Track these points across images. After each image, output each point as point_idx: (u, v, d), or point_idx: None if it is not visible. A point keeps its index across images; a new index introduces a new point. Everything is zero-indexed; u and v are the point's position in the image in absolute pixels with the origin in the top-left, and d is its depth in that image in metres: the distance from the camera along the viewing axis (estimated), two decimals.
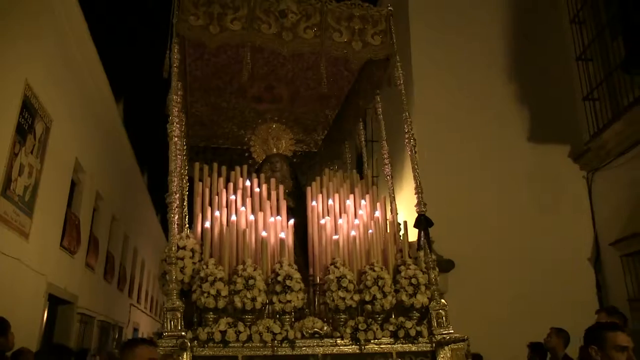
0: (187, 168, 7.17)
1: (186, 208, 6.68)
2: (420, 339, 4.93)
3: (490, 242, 9.20)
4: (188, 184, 6.95)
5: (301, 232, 5.87)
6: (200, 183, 5.68)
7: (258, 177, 5.94)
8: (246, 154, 7.40)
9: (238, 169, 5.95)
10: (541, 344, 7.08)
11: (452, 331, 4.98)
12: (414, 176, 5.50)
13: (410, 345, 4.91)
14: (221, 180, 5.72)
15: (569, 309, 7.34)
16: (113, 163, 17.44)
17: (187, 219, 6.45)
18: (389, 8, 6.08)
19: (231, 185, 5.71)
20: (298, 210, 6.17)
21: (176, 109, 5.35)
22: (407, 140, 5.68)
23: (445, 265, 8.14)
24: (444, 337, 4.89)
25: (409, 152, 5.65)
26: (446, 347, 4.86)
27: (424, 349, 4.92)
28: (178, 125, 5.41)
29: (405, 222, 5.64)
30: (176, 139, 5.25)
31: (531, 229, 9.37)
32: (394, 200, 6.06)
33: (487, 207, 9.43)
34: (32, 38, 9.73)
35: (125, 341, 4.32)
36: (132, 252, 22.77)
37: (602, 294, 9.16)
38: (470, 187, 9.49)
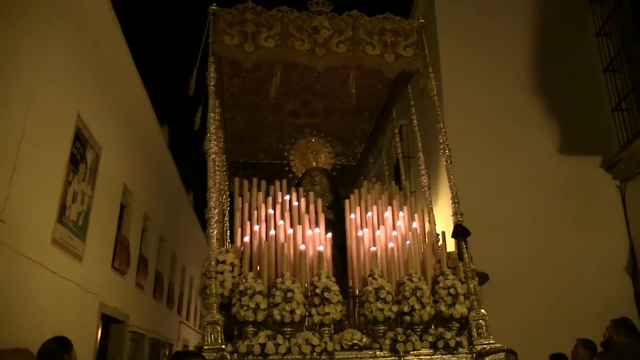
0: (227, 184, 7.29)
1: (227, 223, 6.81)
2: (460, 349, 4.92)
3: (525, 255, 9.06)
4: (229, 199, 7.07)
5: (342, 244, 5.92)
6: (240, 198, 5.76)
7: (297, 191, 6.00)
8: (286, 169, 7.47)
9: (277, 183, 6.03)
10: (563, 355, 7.03)
11: (493, 341, 4.94)
12: (450, 186, 5.50)
13: (450, 356, 4.91)
14: (260, 194, 5.80)
15: (607, 320, 7.20)
16: (159, 184, 17.81)
17: (228, 234, 6.56)
18: (421, 20, 6.13)
19: (270, 199, 5.78)
20: (338, 223, 6.21)
21: (213, 127, 5.45)
22: (442, 151, 5.69)
23: (480, 278, 8.06)
24: (484, 348, 4.87)
25: (445, 163, 5.66)
26: (487, 358, 4.84)
27: (464, 359, 4.91)
28: (215, 142, 5.52)
29: (443, 233, 5.65)
30: (214, 155, 5.36)
31: (566, 240, 9.24)
32: (432, 210, 6.07)
33: (521, 220, 9.29)
34: (80, 70, 10.08)
35: (175, 353, 4.40)
36: (180, 270, 22.94)
37: None
38: (503, 199, 9.38)
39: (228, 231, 6.83)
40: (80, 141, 10.01)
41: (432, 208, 6.13)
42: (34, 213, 8.20)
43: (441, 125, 5.79)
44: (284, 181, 6.18)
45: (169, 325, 20.28)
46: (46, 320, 8.41)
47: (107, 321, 12.34)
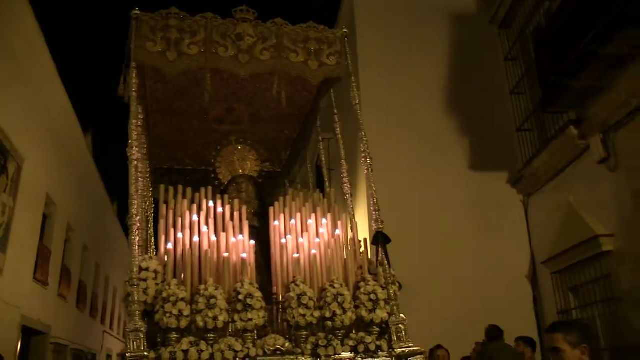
0: (151, 190, 7.24)
1: (152, 230, 6.76)
2: (380, 353, 5.03)
3: (436, 265, 9.63)
4: (153, 206, 7.03)
5: (267, 251, 5.98)
6: (165, 205, 5.74)
7: (223, 199, 6.02)
8: (212, 175, 7.46)
9: (203, 190, 6.01)
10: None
11: (412, 345, 5.08)
12: (371, 194, 5.63)
13: (370, 359, 5.01)
14: (185, 201, 5.78)
15: (510, 322, 7.88)
16: (83, 194, 17.78)
17: (153, 241, 6.52)
18: (344, 30, 6.24)
19: (195, 206, 5.78)
20: (264, 231, 6.26)
21: (135, 133, 5.41)
22: (363, 159, 5.82)
23: None
24: (404, 351, 5.01)
25: (365, 171, 5.78)
26: None
27: None
28: (138, 149, 5.49)
29: (365, 240, 5.76)
30: (136, 162, 5.32)
31: (474, 250, 9.83)
32: (354, 218, 6.18)
33: (432, 231, 9.87)
34: (0, 81, 10.07)
35: None
36: (104, 279, 22.97)
37: (538, 307, 9.85)
38: (416, 210, 9.91)
39: (152, 238, 6.78)
40: (2, 152, 10.04)
41: (354, 215, 6.24)
42: None
43: (362, 133, 5.91)
44: (210, 188, 6.15)
45: (93, 335, 20.19)
46: None
47: (28, 333, 12.32)
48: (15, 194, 10.94)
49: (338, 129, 6.61)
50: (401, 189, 9.77)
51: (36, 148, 12.19)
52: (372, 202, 5.62)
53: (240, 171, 7.29)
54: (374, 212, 5.56)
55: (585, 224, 8.22)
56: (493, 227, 10.09)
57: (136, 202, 5.10)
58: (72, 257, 16.74)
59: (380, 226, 5.47)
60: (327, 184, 7.14)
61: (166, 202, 5.80)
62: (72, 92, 13.92)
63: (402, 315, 5.22)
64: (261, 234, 6.19)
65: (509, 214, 10.38)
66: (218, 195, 6.14)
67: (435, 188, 10.31)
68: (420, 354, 5.01)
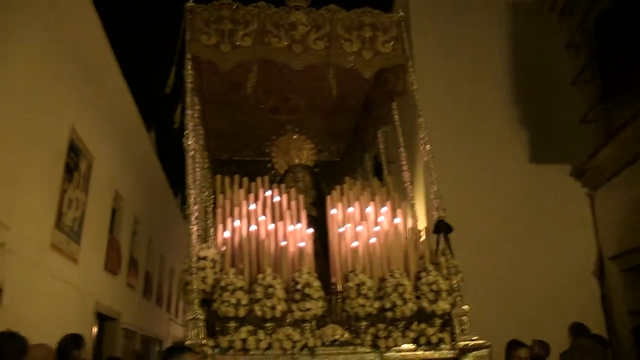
0: (210, 181, 7.26)
1: (210, 221, 6.77)
2: (442, 345, 4.90)
3: (496, 259, 9.22)
4: (213, 197, 7.04)
5: (325, 241, 5.89)
6: (222, 195, 5.73)
7: (280, 188, 5.97)
8: (268, 165, 7.44)
9: (259, 179, 6.00)
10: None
11: (476, 338, 4.93)
12: (431, 182, 5.50)
13: (432, 352, 4.89)
14: (242, 191, 5.76)
15: (576, 319, 7.55)
16: (148, 188, 18.38)
17: (212, 231, 6.52)
18: (400, 14, 6.09)
19: (252, 196, 5.75)
20: (322, 220, 6.17)
21: (192, 124, 5.41)
22: (422, 146, 5.69)
23: None
24: (467, 344, 4.86)
25: (425, 158, 5.65)
26: (469, 355, 4.84)
27: (447, 356, 4.90)
28: (195, 139, 5.48)
29: (426, 228, 5.63)
30: (193, 152, 5.32)
31: (537, 244, 9.48)
32: (414, 206, 6.06)
33: (493, 226, 9.48)
34: (74, 85, 10.68)
35: (170, 347, 4.36)
36: (169, 270, 23.48)
37: (607, 305, 9.41)
38: (475, 206, 9.48)
39: (211, 228, 6.80)
40: (75, 152, 10.76)
41: (414, 204, 6.12)
42: (34, 220, 8.87)
43: (421, 120, 5.78)
44: (266, 178, 6.13)
45: (159, 323, 21.14)
46: (48, 319, 9.03)
47: (101, 319, 13.05)
48: (86, 190, 11.53)
49: (396, 116, 6.49)
50: (460, 182, 9.53)
51: (104, 147, 12.76)
52: (432, 190, 5.48)
53: (297, 161, 7.23)
54: (435, 200, 5.43)
55: None
56: (556, 220, 9.74)
57: (193, 192, 5.11)
58: (138, 249, 17.31)
59: (442, 214, 5.34)
60: (385, 172, 7.02)
61: (223, 192, 5.78)
62: (134, 90, 14.27)
63: (465, 306, 5.07)
64: (319, 223, 6.09)
65: (573, 208, 9.99)
66: (274, 185, 6.10)
67: (495, 181, 9.99)
68: (487, 347, 4.86)
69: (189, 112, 5.44)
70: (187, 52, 5.59)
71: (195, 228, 4.97)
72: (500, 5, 11.23)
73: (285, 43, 5.69)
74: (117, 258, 14.27)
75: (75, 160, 10.78)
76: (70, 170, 10.50)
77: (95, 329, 12.23)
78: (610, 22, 8.21)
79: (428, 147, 5.65)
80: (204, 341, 4.47)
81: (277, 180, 6.82)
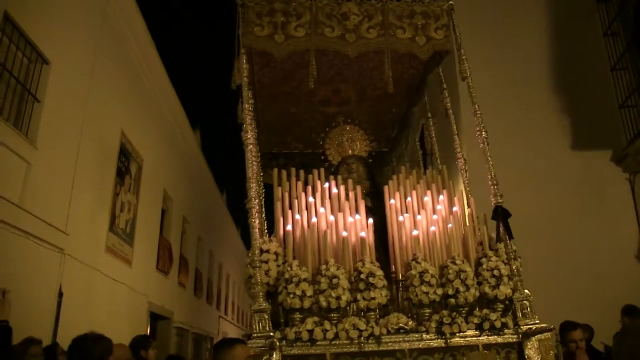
0: (262, 175, 7.33)
1: (264, 214, 6.84)
2: (505, 330, 4.91)
3: (540, 244, 9.12)
4: (264, 191, 7.11)
5: (381, 231, 5.90)
6: (280, 188, 5.78)
7: (336, 179, 6.01)
8: (322, 157, 7.47)
9: (315, 172, 6.03)
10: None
11: (538, 321, 4.94)
12: (488, 168, 5.50)
13: (496, 337, 4.90)
14: (299, 183, 5.82)
15: (620, 303, 7.36)
16: (195, 187, 18.80)
17: (266, 225, 6.60)
18: (450, 2, 6.10)
19: (309, 188, 5.81)
20: (376, 210, 6.21)
21: (248, 117, 5.49)
22: (478, 133, 5.68)
23: None
24: (530, 328, 4.87)
25: (481, 145, 5.65)
26: (533, 338, 4.83)
27: (510, 340, 4.90)
28: (251, 133, 5.55)
29: (484, 215, 5.63)
30: (251, 146, 5.38)
31: (579, 231, 9.55)
32: (470, 193, 6.06)
33: (535, 212, 9.37)
34: (122, 91, 11.07)
35: (221, 340, 4.45)
36: (218, 267, 23.95)
37: None
38: (519, 192, 9.38)
39: (265, 222, 6.87)
40: (125, 155, 11.17)
41: (470, 191, 6.12)
42: (90, 224, 9.25)
43: (476, 107, 5.77)
44: (322, 170, 6.17)
45: (209, 320, 21.52)
46: (104, 319, 9.39)
47: (155, 318, 13.53)
48: (137, 192, 11.92)
49: (449, 103, 6.50)
50: (502, 168, 9.45)
51: (152, 148, 13.13)
52: (489, 177, 5.48)
53: (350, 152, 7.25)
54: (492, 187, 5.43)
55: None
56: (598, 206, 9.86)
57: (254, 185, 5.17)
58: (188, 248, 17.74)
59: (500, 200, 5.34)
60: (438, 160, 7.04)
61: (280, 185, 5.84)
62: (179, 90, 14.70)
63: (526, 290, 5.08)
64: (374, 214, 6.11)
65: (614, 193, 10.07)
66: (331, 177, 6.14)
67: (537, 167, 10.04)
68: (549, 330, 4.86)
69: (245, 105, 5.51)
70: (242, 44, 5.66)
71: (256, 222, 5.03)
72: None
73: (339, 33, 5.74)
74: (168, 258, 14.62)
75: (125, 164, 11.13)
76: (121, 173, 10.87)
77: (149, 328, 12.65)
78: None
79: (484, 134, 5.63)
80: (271, 333, 4.55)
81: (331, 172, 6.86)
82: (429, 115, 7.31)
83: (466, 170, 6.27)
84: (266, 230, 6.56)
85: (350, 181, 6.08)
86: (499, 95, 10.14)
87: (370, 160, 7.36)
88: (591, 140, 10.29)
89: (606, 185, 10.03)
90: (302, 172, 6.00)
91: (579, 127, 10.39)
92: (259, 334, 4.54)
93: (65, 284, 7.92)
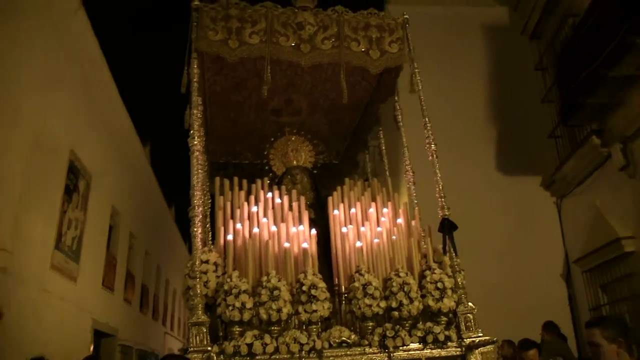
0: (208, 184, 7.20)
1: (209, 224, 6.71)
2: (449, 343, 4.89)
3: (473, 263, 9.31)
4: (210, 201, 6.98)
5: (323, 243, 5.83)
6: (222, 197, 5.66)
7: (280, 190, 5.92)
8: (266, 167, 7.37)
9: (259, 181, 5.94)
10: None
11: (482, 334, 4.91)
12: (436, 180, 5.47)
13: (439, 350, 4.86)
14: (242, 193, 5.71)
15: (546, 318, 7.85)
16: (143, 202, 18.48)
17: (210, 235, 6.47)
18: (405, 16, 6.07)
19: (252, 198, 5.70)
20: (319, 222, 6.13)
21: (197, 124, 5.35)
22: (427, 145, 5.66)
23: None
24: (474, 341, 4.84)
25: (430, 157, 5.62)
26: (476, 351, 4.81)
27: (454, 353, 4.88)
28: (199, 140, 5.43)
29: (429, 227, 5.59)
30: (197, 153, 5.24)
31: (513, 251, 10.12)
32: (417, 206, 6.02)
33: (477, 232, 9.58)
34: (72, 107, 10.84)
35: (164, 357, 4.30)
36: (164, 282, 23.59)
37: (573, 305, 10.30)
38: (458, 214, 9.67)
39: (210, 232, 6.74)
40: (74, 173, 10.97)
41: (416, 203, 6.08)
42: (35, 242, 9.02)
43: (426, 120, 5.75)
44: (266, 179, 6.09)
45: (155, 337, 21.15)
46: (48, 338, 9.27)
47: (99, 336, 13.07)
48: (85, 208, 11.72)
49: (400, 117, 6.48)
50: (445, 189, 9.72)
51: (102, 165, 12.92)
52: (437, 189, 5.45)
53: (295, 162, 7.14)
54: (439, 199, 5.40)
55: (609, 226, 8.75)
56: (529, 227, 10.48)
57: (198, 193, 5.03)
58: (135, 263, 17.44)
59: (447, 213, 5.30)
60: (387, 173, 6.99)
61: (222, 194, 5.72)
62: (129, 106, 14.44)
63: (470, 303, 5.05)
64: (317, 225, 6.03)
65: (543, 215, 10.78)
66: (274, 187, 6.06)
67: (475, 190, 10.46)
68: (492, 343, 4.84)
69: (194, 111, 5.38)
70: (194, 48, 5.52)
71: (199, 231, 4.88)
72: (478, 28, 11.96)
73: (294, 42, 5.64)
74: (114, 274, 14.47)
75: (74, 182, 10.98)
76: (69, 191, 10.70)
77: (91, 347, 12.25)
78: (571, 48, 8.91)
79: (433, 146, 5.61)
80: (208, 347, 4.40)
81: (275, 183, 6.75)
82: (380, 127, 7.27)
83: (414, 183, 6.22)
84: (211, 241, 6.44)
85: (294, 192, 6.00)
86: (438, 122, 10.34)
87: (316, 171, 7.28)
88: (523, 167, 10.98)
89: (536, 208, 10.73)
90: (245, 182, 5.90)
91: (512, 153, 11.05)
92: (195, 348, 4.40)
93: (8, 303, 7.68)
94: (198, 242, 4.84)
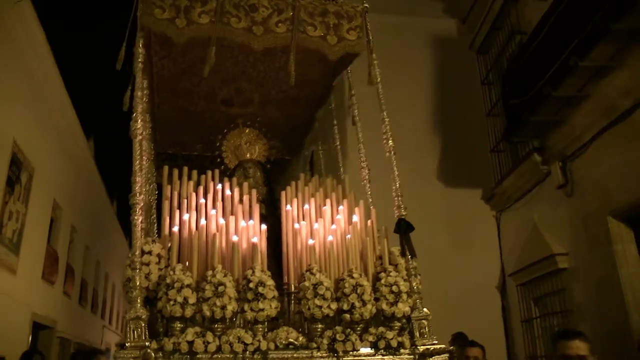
0: (155, 175, 6.87)
1: (154, 216, 6.39)
2: (402, 350, 4.61)
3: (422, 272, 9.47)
4: (157, 192, 6.66)
5: (274, 240, 5.54)
6: (169, 186, 5.34)
7: (231, 182, 5.62)
8: (218, 160, 7.05)
9: (209, 172, 5.66)
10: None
11: (436, 342, 4.68)
12: (393, 178, 5.25)
13: (391, 357, 4.60)
14: (191, 183, 5.39)
15: (480, 329, 7.93)
16: (85, 196, 18.63)
17: (156, 227, 6.16)
18: (365, 5, 5.85)
19: (201, 189, 5.39)
20: (271, 218, 5.89)
21: (140, 106, 4.99)
22: (385, 141, 5.43)
23: None
24: (428, 349, 4.59)
25: (387, 154, 5.40)
26: (429, 359, 4.56)
27: None
28: (143, 125, 5.09)
29: (385, 228, 5.36)
30: (140, 137, 4.90)
31: (453, 261, 10.04)
32: (372, 205, 5.79)
33: (417, 242, 9.58)
34: (14, 99, 10.83)
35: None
36: (104, 277, 23.82)
37: (506, 316, 10.40)
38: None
39: (155, 224, 6.42)
40: (16, 165, 11.02)
41: (372, 202, 5.85)
42: None
43: (384, 114, 5.54)
44: (217, 171, 5.79)
45: (93, 330, 21.47)
46: None
47: (37, 328, 13.28)
48: (27, 201, 11.81)
49: (356, 110, 6.25)
50: (381, 202, 9.73)
51: (44, 156, 12.97)
52: (393, 188, 5.22)
53: (248, 155, 6.85)
54: (395, 198, 5.18)
55: (545, 242, 8.84)
56: (469, 239, 10.56)
57: (139, 179, 4.68)
58: (75, 257, 17.65)
59: (403, 213, 5.08)
60: (341, 169, 6.74)
61: (170, 184, 5.40)
62: (74, 98, 14.50)
63: (425, 309, 4.81)
64: (268, 222, 5.75)
65: (483, 228, 10.80)
66: (225, 178, 5.75)
67: (413, 202, 10.23)
68: (448, 352, 4.63)
69: (138, 93, 5.01)
70: (139, 27, 5.18)
71: (139, 219, 4.54)
72: (427, 39, 11.86)
73: (246, 24, 5.33)
74: (54, 267, 14.54)
75: (16, 173, 11.01)
76: (11, 183, 10.73)
77: (29, 339, 12.44)
78: (517, 65, 8.95)
79: (390, 142, 5.38)
80: (147, 343, 4.08)
81: (227, 176, 6.44)
82: (334, 122, 7.02)
83: (369, 181, 5.99)
84: (157, 233, 6.12)
85: (245, 184, 5.73)
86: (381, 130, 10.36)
87: (269, 166, 7.00)
88: (465, 179, 10.97)
89: (475, 221, 10.74)
90: (194, 172, 5.60)
91: (454, 165, 10.99)
92: (133, 344, 4.07)
93: None
94: (139, 231, 4.50)
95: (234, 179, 5.79)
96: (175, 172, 5.50)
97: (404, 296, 4.78)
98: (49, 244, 14.28)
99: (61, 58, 12.61)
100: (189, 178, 5.48)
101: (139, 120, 4.90)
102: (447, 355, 4.65)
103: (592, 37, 6.85)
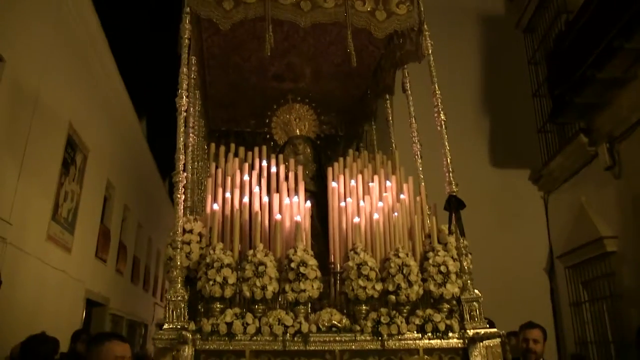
0: (206, 151, 6.82)
1: (203, 194, 6.33)
2: (450, 334, 4.39)
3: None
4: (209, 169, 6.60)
5: (325, 218, 5.38)
6: (214, 164, 5.26)
7: (277, 159, 5.49)
8: (267, 136, 6.95)
9: (256, 149, 5.55)
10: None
11: (487, 325, 4.46)
12: (444, 153, 5.02)
13: (439, 341, 4.37)
14: (237, 160, 5.31)
15: (528, 311, 7.48)
16: (137, 175, 19.08)
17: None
18: None
19: (246, 165, 5.28)
20: (322, 196, 5.70)
21: (185, 82, 4.88)
22: (436, 115, 5.20)
23: None
24: (478, 333, 4.35)
25: (438, 128, 5.17)
26: (480, 344, 4.30)
27: (455, 345, 4.38)
28: (191, 102, 5.02)
29: (434, 205, 5.15)
30: (185, 113, 4.80)
31: (501, 242, 10.01)
32: (422, 181, 5.58)
33: (467, 221, 9.39)
34: (71, 82, 11.10)
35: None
36: (155, 254, 24.22)
37: (554, 299, 10.36)
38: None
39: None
40: (72, 146, 11.39)
41: (422, 179, 5.64)
42: (33, 214, 9.39)
43: (435, 87, 5.29)
44: (264, 148, 5.66)
45: (145, 307, 21.91)
46: (42, 307, 9.70)
47: (91, 305, 13.64)
48: (81, 182, 12.12)
49: (408, 84, 6.02)
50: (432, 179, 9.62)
51: (98, 139, 13.29)
52: (444, 163, 5.00)
53: (298, 132, 6.71)
54: (446, 174, 4.96)
55: (593, 224, 8.78)
56: (515, 220, 10.49)
57: (182, 157, 4.59)
58: (127, 235, 18.01)
59: (455, 189, 4.86)
60: (394, 145, 6.53)
61: (216, 161, 5.32)
62: (126, 79, 14.68)
63: (476, 291, 4.58)
64: (319, 199, 5.64)
65: (531, 209, 10.78)
66: (272, 155, 5.61)
67: (460, 182, 10.14)
68: (499, 336, 4.38)
69: (183, 69, 4.89)
70: (186, 4, 5.08)
71: (182, 197, 4.46)
72: (473, 17, 11.89)
73: (293, 0, 5.18)
74: (107, 245, 14.85)
75: (72, 155, 11.37)
76: (67, 164, 11.09)
77: (83, 315, 12.79)
78: (563, 46, 8.94)
79: (442, 117, 5.15)
80: (185, 324, 4.01)
81: (276, 152, 6.31)
82: (387, 96, 6.81)
83: (420, 157, 5.78)
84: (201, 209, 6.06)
85: (292, 161, 5.58)
86: (430, 111, 10.23)
87: (319, 142, 6.84)
88: (513, 160, 11.01)
89: (523, 202, 10.75)
90: (241, 149, 5.50)
91: (502, 146, 11.06)
92: (171, 325, 4.02)
93: (6, 272, 7.66)
94: (181, 209, 4.41)
95: (280, 156, 5.65)
96: (222, 149, 5.42)
97: (453, 277, 4.55)
98: (102, 223, 14.67)
99: (113, 39, 12.83)
100: (236, 155, 5.39)
101: (184, 97, 4.79)
102: (498, 339, 4.41)
103: (638, 18, 6.77)
